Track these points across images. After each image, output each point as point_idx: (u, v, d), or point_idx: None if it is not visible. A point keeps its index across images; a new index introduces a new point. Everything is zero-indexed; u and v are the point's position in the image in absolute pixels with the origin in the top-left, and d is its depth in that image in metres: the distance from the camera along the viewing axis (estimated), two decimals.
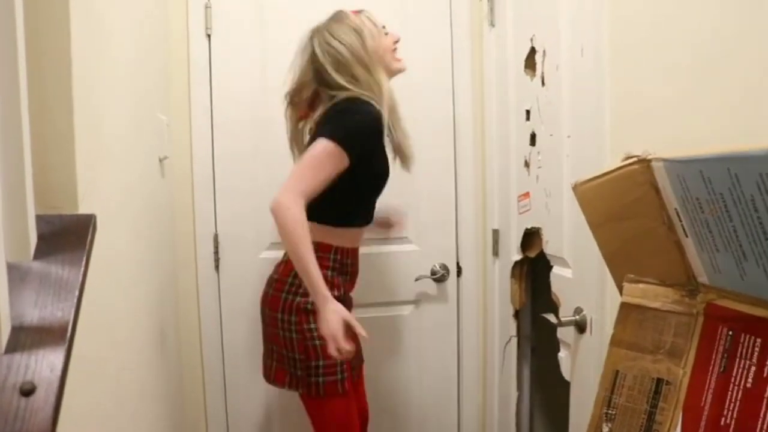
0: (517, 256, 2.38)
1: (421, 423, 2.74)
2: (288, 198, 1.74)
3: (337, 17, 1.98)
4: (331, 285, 1.85)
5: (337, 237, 1.94)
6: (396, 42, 2.02)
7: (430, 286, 2.71)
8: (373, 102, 1.86)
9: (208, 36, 2.48)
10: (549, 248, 2.08)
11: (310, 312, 1.84)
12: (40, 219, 0.83)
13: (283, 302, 1.89)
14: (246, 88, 2.52)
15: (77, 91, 0.97)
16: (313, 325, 1.84)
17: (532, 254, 2.27)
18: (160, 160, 2.05)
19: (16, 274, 0.78)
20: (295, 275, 1.85)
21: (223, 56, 2.50)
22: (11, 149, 0.75)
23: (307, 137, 2.03)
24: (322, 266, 1.82)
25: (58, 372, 0.69)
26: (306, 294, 1.83)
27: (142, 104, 1.80)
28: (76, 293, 0.78)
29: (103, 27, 1.27)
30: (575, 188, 1.19)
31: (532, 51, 2.18)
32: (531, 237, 2.26)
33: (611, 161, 1.28)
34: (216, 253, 2.53)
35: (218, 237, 2.53)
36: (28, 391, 0.67)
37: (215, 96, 2.50)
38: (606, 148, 1.63)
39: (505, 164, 2.48)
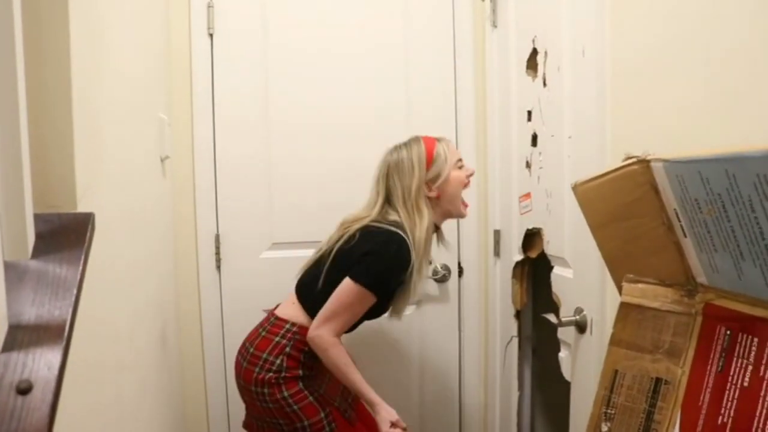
0: (519, 257, 2.38)
1: (423, 422, 2.75)
2: (326, 340, 1.90)
3: (410, 143, 2.05)
4: (302, 365, 1.96)
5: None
6: (470, 176, 2.06)
7: (432, 287, 2.71)
8: (407, 239, 1.92)
9: (211, 35, 2.49)
10: (550, 249, 2.08)
11: (281, 384, 1.93)
12: (38, 218, 0.83)
13: (255, 377, 1.95)
14: (248, 87, 2.53)
15: (76, 89, 0.97)
16: (285, 393, 1.93)
17: (533, 254, 2.27)
18: (162, 160, 2.06)
19: (14, 273, 0.78)
20: (270, 351, 1.96)
21: (225, 56, 2.51)
22: (9, 148, 0.75)
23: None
24: (297, 348, 1.95)
25: (55, 371, 0.70)
26: (277, 371, 1.93)
27: (143, 103, 1.80)
28: (74, 292, 0.78)
29: (103, 24, 1.27)
30: (575, 188, 1.19)
31: (534, 52, 2.18)
32: (532, 237, 2.26)
33: (612, 162, 1.28)
34: (217, 253, 2.53)
35: (220, 237, 2.53)
36: (24, 390, 0.67)
37: (217, 95, 2.50)
38: (607, 148, 1.63)
39: (506, 165, 2.48)
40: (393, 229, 1.91)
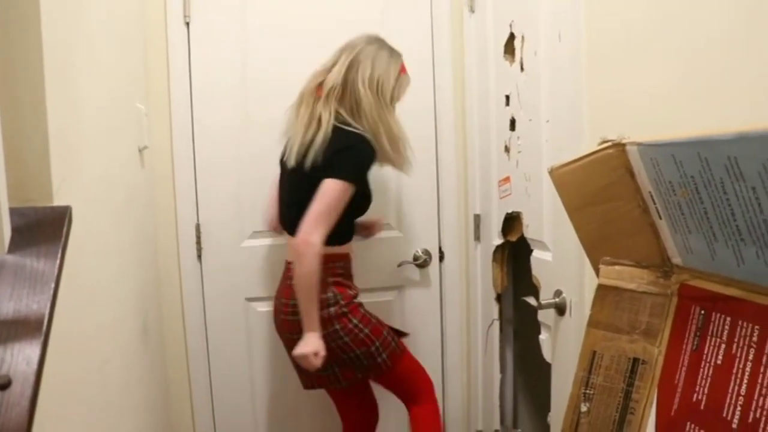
0: (499, 241, 2.39)
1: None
2: (315, 237, 1.93)
3: (394, 52, 2.15)
4: (346, 286, 2.10)
5: (335, 248, 2.07)
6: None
7: (413, 272, 2.72)
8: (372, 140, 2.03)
9: (187, 24, 2.47)
10: (529, 232, 2.09)
11: (347, 313, 2.05)
12: (13, 212, 0.82)
13: (322, 319, 2.01)
14: (226, 75, 2.51)
15: (50, 81, 0.96)
16: (354, 320, 2.05)
17: (513, 238, 2.28)
18: (140, 150, 2.04)
19: None
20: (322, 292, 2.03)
21: (202, 44, 2.49)
22: None
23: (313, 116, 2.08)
24: (334, 274, 2.07)
25: (34, 365, 0.69)
26: (334, 303, 2.04)
27: (120, 94, 1.79)
28: (52, 286, 0.77)
29: (78, 12, 1.26)
30: (551, 173, 1.20)
31: (511, 36, 2.18)
32: (512, 221, 2.27)
33: (589, 145, 1.29)
34: (198, 242, 2.53)
35: (200, 226, 2.53)
36: (3, 385, 0.67)
37: (195, 84, 2.49)
38: (584, 132, 1.63)
39: (485, 149, 2.48)
40: (359, 132, 2.02)
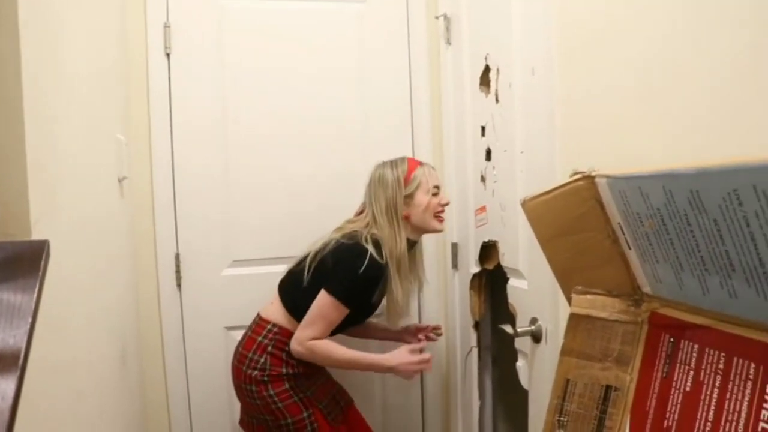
0: (476, 269, 2.41)
1: (386, 431, 2.75)
2: (306, 346, 2.04)
3: (397, 163, 2.18)
4: (285, 363, 2.10)
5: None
6: (444, 205, 2.19)
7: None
8: (381, 252, 2.05)
9: (167, 55, 2.48)
10: (505, 261, 2.11)
11: (267, 382, 2.08)
12: None
13: (244, 374, 2.10)
14: (206, 106, 2.53)
15: (29, 113, 0.96)
16: (272, 392, 2.07)
17: (490, 266, 2.29)
18: (119, 181, 2.04)
19: None
20: (255, 350, 2.10)
21: (182, 75, 2.51)
22: None
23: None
24: (279, 348, 2.11)
25: (9, 400, 0.69)
26: (261, 368, 2.08)
27: (100, 125, 1.79)
28: (29, 320, 0.77)
29: (57, 44, 1.26)
30: (524, 205, 1.22)
31: (487, 69, 2.22)
32: (488, 250, 2.28)
33: (562, 177, 1.31)
34: (177, 271, 2.52)
35: (180, 255, 2.52)
36: None
37: (175, 114, 2.50)
38: (556, 164, 1.66)
39: (462, 179, 2.51)
40: (362, 243, 2.02)
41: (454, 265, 2.65)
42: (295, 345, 2.05)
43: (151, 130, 2.48)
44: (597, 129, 1.48)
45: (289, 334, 2.10)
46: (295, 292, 2.13)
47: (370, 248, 2.01)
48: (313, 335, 2.03)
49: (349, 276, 2.02)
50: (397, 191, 2.10)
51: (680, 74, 1.17)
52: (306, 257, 2.12)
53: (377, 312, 2.27)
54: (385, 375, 2.71)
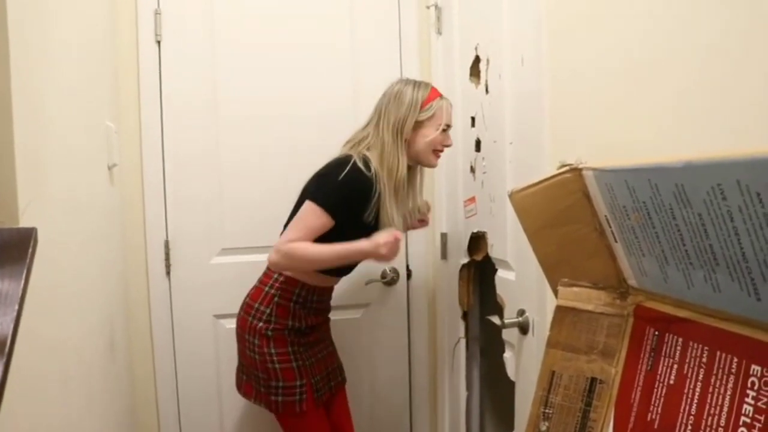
0: (465, 259, 2.41)
1: (374, 423, 2.76)
2: (278, 257, 1.98)
3: (420, 86, 2.10)
4: (291, 315, 2.07)
5: (305, 276, 2.08)
6: (446, 146, 2.14)
7: (381, 289, 2.73)
8: (368, 165, 1.99)
9: (158, 42, 2.47)
10: (494, 252, 2.12)
11: (270, 338, 2.04)
12: None
13: (249, 325, 2.08)
14: (197, 94, 2.52)
15: (17, 98, 0.96)
16: (273, 350, 2.04)
17: (479, 257, 2.30)
18: (109, 168, 2.03)
19: None
20: (261, 301, 2.07)
21: (173, 62, 2.49)
22: None
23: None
24: (286, 297, 2.05)
25: None
26: (266, 321, 2.05)
27: (90, 112, 1.78)
28: (16, 307, 0.77)
29: (46, 29, 1.25)
30: (511, 196, 1.22)
31: (477, 59, 2.22)
32: (477, 241, 2.29)
33: (550, 168, 1.31)
34: (167, 259, 2.52)
35: (169, 243, 2.51)
36: None
37: (165, 102, 2.49)
38: (545, 155, 1.66)
39: (452, 170, 2.51)
40: (349, 157, 1.99)
41: (443, 256, 2.65)
42: (272, 254, 1.99)
43: (141, 118, 2.47)
44: (586, 121, 1.48)
45: (296, 283, 2.07)
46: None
47: (357, 161, 1.98)
48: (290, 238, 1.97)
49: (328, 182, 1.98)
50: (411, 112, 2.03)
51: (669, 67, 1.17)
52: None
53: None
54: (372, 364, 2.72)
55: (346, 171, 1.95)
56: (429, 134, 2.05)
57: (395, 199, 2.04)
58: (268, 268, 2.14)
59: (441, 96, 2.09)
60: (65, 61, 1.45)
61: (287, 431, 2.15)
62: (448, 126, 2.10)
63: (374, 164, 2.00)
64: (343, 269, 2.15)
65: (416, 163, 2.15)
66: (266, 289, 2.09)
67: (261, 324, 2.05)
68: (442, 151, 2.12)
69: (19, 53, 0.98)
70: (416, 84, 2.09)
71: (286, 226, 2.09)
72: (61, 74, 1.39)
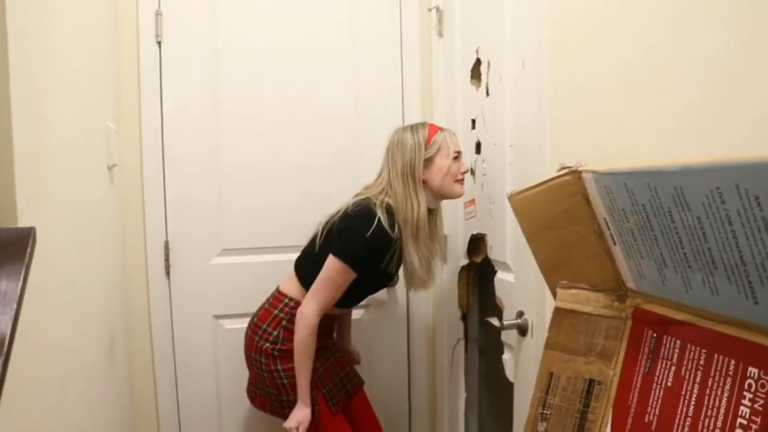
0: (464, 261, 2.41)
1: None
2: (309, 319, 2.00)
3: (418, 127, 2.11)
4: (293, 335, 2.05)
5: None
6: (464, 172, 2.11)
7: (381, 291, 2.72)
8: (392, 215, 2.00)
9: (159, 43, 2.47)
10: (493, 254, 2.12)
11: (276, 357, 2.08)
12: None
13: (255, 344, 2.12)
14: (197, 94, 2.52)
15: (16, 98, 0.96)
16: (280, 367, 2.08)
17: (478, 259, 2.30)
18: (109, 168, 2.03)
19: None
20: (269, 323, 2.11)
21: (174, 63, 2.49)
22: None
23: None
24: (292, 321, 2.06)
25: None
26: (273, 342, 2.09)
27: (90, 112, 1.78)
28: (14, 306, 0.77)
29: (47, 30, 1.26)
30: (511, 199, 1.22)
31: (478, 62, 2.22)
32: (477, 242, 2.29)
33: (550, 171, 1.31)
34: (167, 259, 2.52)
35: (169, 243, 2.51)
36: None
37: (166, 103, 2.49)
38: (545, 157, 1.67)
39: None
40: (372, 208, 1.98)
41: (443, 258, 2.65)
42: (305, 311, 2.00)
43: (142, 118, 2.47)
44: (586, 124, 1.49)
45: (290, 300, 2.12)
46: (306, 261, 2.14)
47: (380, 214, 1.95)
48: (319, 303, 2.00)
49: (354, 238, 1.98)
50: (417, 154, 2.03)
51: (669, 70, 1.17)
52: (321, 227, 2.11)
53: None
54: (371, 364, 2.71)
55: (372, 228, 1.94)
56: (443, 166, 2.04)
57: (416, 246, 2.05)
58: (278, 291, 2.18)
59: (441, 129, 2.10)
60: (65, 61, 1.45)
61: None
62: (459, 153, 2.08)
63: (398, 216, 2.01)
64: (353, 301, 2.19)
65: (442, 198, 2.14)
66: (275, 312, 2.13)
67: (267, 345, 2.09)
68: (463, 179, 2.11)
69: (18, 53, 0.98)
70: (413, 127, 2.10)
71: (304, 254, 2.17)
72: (61, 74, 1.39)
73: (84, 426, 1.53)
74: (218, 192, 2.55)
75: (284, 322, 2.09)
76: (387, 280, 2.17)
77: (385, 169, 2.10)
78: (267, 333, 2.10)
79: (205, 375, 2.59)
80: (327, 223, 2.08)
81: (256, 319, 2.17)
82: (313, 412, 2.05)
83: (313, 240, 2.12)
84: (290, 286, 2.16)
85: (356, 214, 2.00)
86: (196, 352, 2.57)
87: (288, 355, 2.06)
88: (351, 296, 2.09)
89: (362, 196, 2.06)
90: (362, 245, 1.97)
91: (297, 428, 1.99)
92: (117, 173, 2.20)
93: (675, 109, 1.16)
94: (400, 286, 2.71)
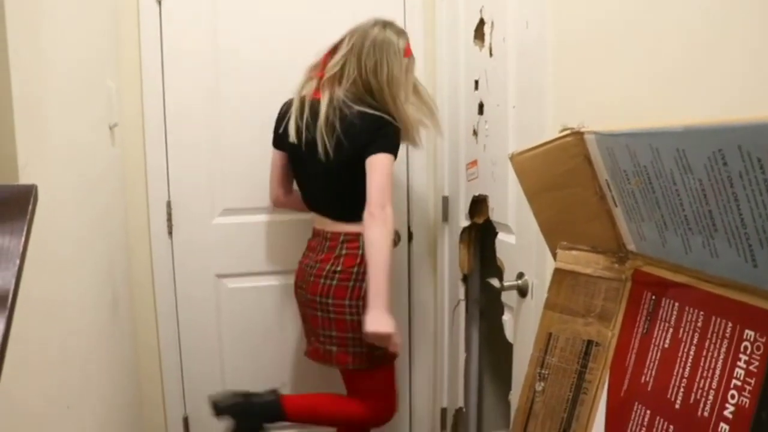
0: (466, 222, 2.41)
1: None
2: (389, 209, 2.00)
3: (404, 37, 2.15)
4: (354, 260, 2.09)
5: (356, 228, 2.10)
6: None
7: None
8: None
9: (159, 2, 2.44)
10: (495, 215, 2.12)
11: (347, 288, 2.08)
12: None
13: (351, 290, 2.08)
14: (198, 52, 2.49)
15: (14, 52, 0.95)
16: (350, 302, 2.07)
17: (480, 221, 2.30)
18: (110, 128, 2.03)
19: None
20: (358, 265, 2.07)
21: (174, 21, 2.46)
22: None
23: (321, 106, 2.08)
24: (358, 255, 2.08)
25: None
26: (339, 274, 2.08)
27: (90, 71, 1.77)
28: (17, 262, 0.78)
29: None
30: (512, 159, 1.22)
31: (481, 22, 2.19)
32: (478, 204, 2.29)
33: (553, 132, 1.31)
34: (169, 219, 2.52)
35: (171, 204, 2.52)
36: None
37: (167, 61, 2.47)
38: (548, 119, 1.65)
39: (454, 133, 2.50)
40: (391, 121, 2.05)
41: (445, 218, 2.66)
42: (384, 210, 1.98)
43: (143, 77, 2.45)
44: (589, 85, 1.47)
45: (356, 236, 2.10)
46: (333, 195, 2.16)
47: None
48: (389, 198, 2.01)
49: (394, 138, 2.05)
50: (403, 63, 2.11)
51: (674, 29, 1.16)
52: (330, 162, 2.06)
53: None
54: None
55: (394, 125, 2.04)
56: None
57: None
58: (332, 233, 2.15)
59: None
60: (63, 19, 1.44)
61: (378, 381, 2.18)
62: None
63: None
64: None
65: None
66: (336, 252, 2.12)
67: (365, 284, 2.05)
68: None
69: (14, 10, 0.97)
70: (398, 31, 2.16)
71: (334, 196, 2.15)
72: (60, 28, 1.38)
73: (87, 383, 1.55)
74: (220, 152, 2.54)
75: (343, 257, 2.09)
76: None
77: (354, 67, 2.08)
78: (360, 274, 2.07)
79: (208, 332, 2.61)
80: (328, 137, 2.03)
81: (340, 268, 2.09)
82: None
83: (329, 177, 2.11)
84: (338, 227, 2.14)
85: (381, 119, 2.03)
86: (198, 310, 2.60)
87: (359, 286, 2.07)
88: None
89: (350, 109, 2.04)
90: (396, 138, 2.06)
91: (393, 334, 1.97)
92: (118, 133, 2.19)
93: (681, 63, 1.14)
94: (402, 247, 2.72)
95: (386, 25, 2.11)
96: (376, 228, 1.97)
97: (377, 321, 1.94)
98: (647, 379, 0.97)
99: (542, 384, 1.17)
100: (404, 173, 2.70)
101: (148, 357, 2.58)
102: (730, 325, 0.84)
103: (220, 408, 2.11)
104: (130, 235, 2.46)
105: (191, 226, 2.56)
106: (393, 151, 2.03)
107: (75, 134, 1.50)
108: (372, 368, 2.13)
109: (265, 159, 2.52)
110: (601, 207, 1.09)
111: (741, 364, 0.80)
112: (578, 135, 1.04)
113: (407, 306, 2.81)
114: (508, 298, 1.99)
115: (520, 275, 1.86)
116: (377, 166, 2.00)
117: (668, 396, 0.91)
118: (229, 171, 2.55)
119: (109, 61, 2.12)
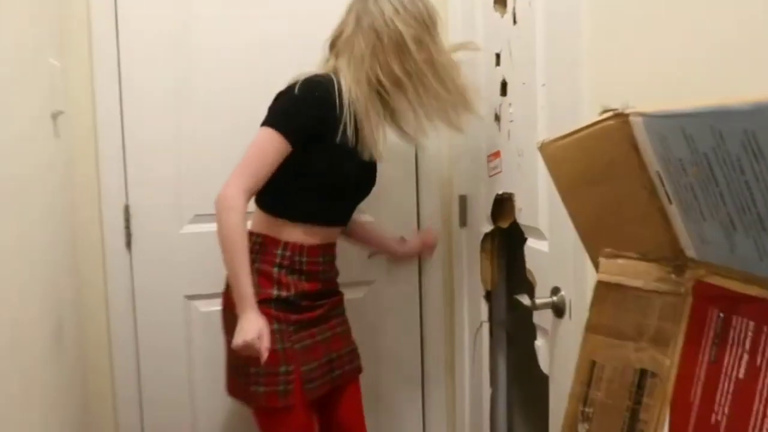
0: (488, 227, 2.40)
1: (380, 424, 2.77)
2: (231, 197, 1.92)
3: None
4: (278, 283, 2.03)
5: (288, 231, 2.07)
6: None
7: (388, 264, 2.72)
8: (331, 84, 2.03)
9: None
10: (522, 217, 2.11)
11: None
12: None
13: (226, 298, 2.07)
14: (161, 26, 2.49)
15: None
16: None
17: (505, 224, 2.29)
18: (53, 116, 2.02)
19: None
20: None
21: None
22: None
23: None
24: (267, 261, 2.02)
25: None
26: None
27: (27, 46, 1.76)
28: None
29: None
30: (542, 148, 1.21)
31: None
32: (503, 204, 2.28)
33: (590, 114, 1.30)
34: (127, 227, 2.52)
35: (129, 208, 2.51)
36: None
37: (122, 34, 2.46)
38: (584, 98, 1.64)
39: (472, 118, 2.48)
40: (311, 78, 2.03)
41: (462, 223, 2.65)
42: (224, 191, 1.94)
43: (93, 53, 2.43)
44: (632, 56, 1.46)
45: (275, 243, 2.05)
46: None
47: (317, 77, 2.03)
48: (247, 181, 1.94)
49: (280, 101, 2.03)
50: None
51: None
52: None
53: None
54: (377, 352, 2.71)
55: (303, 88, 2.00)
56: None
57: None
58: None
59: None
60: None
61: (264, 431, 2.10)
62: None
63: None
64: (338, 219, 2.18)
65: None
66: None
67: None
68: None
69: None
70: None
71: None
72: None
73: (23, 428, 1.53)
74: (190, 147, 2.52)
75: (256, 263, 2.01)
76: (342, 180, 2.10)
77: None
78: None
79: (174, 368, 2.59)
80: None
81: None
82: (285, 392, 1.97)
83: None
84: (255, 220, 2.12)
85: (295, 85, 2.02)
86: (164, 341, 2.58)
87: (266, 309, 1.97)
88: (316, 203, 2.07)
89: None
90: (290, 105, 2.01)
91: (257, 339, 1.86)
92: (64, 122, 2.18)
93: (747, 39, 1.13)
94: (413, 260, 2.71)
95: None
96: (217, 220, 1.97)
97: (237, 331, 1.90)
98: (718, 418, 0.95)
99: (586, 426, 1.15)
100: (412, 167, 2.70)
101: (100, 400, 2.56)
102: None
103: None
104: (78, 248, 2.45)
105: (154, 237, 2.55)
106: (270, 121, 2.00)
107: (8, 125, 1.49)
108: (256, 412, 2.08)
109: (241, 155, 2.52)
110: (652, 204, 1.07)
111: None
112: (622, 118, 1.02)
113: (418, 331, 2.79)
114: (541, 318, 1.98)
115: (555, 290, 1.85)
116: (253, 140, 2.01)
117: None
118: (201, 168, 2.54)
119: (52, 33, 2.11)
